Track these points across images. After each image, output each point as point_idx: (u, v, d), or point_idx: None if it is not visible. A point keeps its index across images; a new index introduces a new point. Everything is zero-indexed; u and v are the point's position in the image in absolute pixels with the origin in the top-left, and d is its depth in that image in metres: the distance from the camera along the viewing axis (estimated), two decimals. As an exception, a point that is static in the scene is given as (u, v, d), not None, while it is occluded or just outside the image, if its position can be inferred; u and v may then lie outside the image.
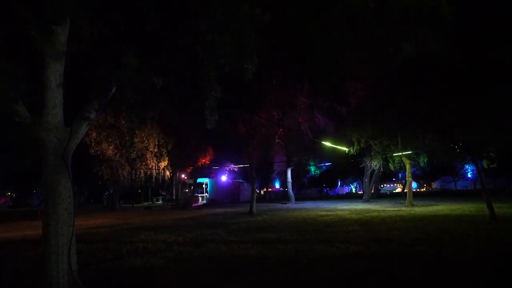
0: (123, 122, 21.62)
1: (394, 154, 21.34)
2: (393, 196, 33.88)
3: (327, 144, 22.18)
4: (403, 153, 20.37)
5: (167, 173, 27.91)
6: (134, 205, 34.01)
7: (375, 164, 22.96)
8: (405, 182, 26.60)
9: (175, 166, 27.93)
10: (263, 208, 21.40)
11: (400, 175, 47.65)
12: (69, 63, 4.67)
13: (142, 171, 25.75)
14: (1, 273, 6.04)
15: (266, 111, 20.42)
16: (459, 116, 11.13)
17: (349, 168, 43.67)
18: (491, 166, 14.15)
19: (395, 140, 20.04)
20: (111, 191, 29.77)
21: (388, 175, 42.65)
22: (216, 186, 34.64)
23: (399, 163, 22.07)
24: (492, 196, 11.73)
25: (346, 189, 58.48)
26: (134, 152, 23.85)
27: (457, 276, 4.78)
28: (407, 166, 21.16)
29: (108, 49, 4.90)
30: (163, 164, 25.91)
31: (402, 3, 6.01)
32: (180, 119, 21.66)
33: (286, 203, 27.18)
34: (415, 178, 46.80)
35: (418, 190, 50.66)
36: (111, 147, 22.82)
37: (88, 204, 42.13)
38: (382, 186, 50.71)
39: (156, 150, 24.66)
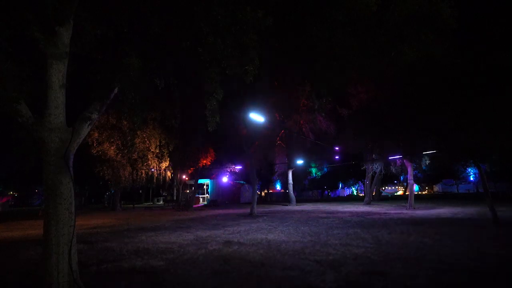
0: (125, 122, 21.66)
1: (395, 157, 21.27)
2: (394, 199, 33.72)
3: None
4: (404, 156, 20.29)
5: (168, 173, 27.93)
6: (135, 205, 34.03)
7: (376, 166, 22.89)
8: (407, 185, 26.52)
9: (176, 167, 27.97)
10: (264, 210, 21.37)
11: (401, 177, 47.48)
12: (72, 64, 4.70)
13: (143, 172, 25.79)
14: (2, 273, 6.05)
15: (268, 113, 20.41)
16: (461, 119, 11.12)
17: (350, 171, 43.72)
18: (493, 169, 14.13)
19: (397, 143, 19.96)
20: (112, 192, 29.81)
21: (389, 178, 42.52)
22: (217, 187, 34.62)
23: (400, 166, 21.99)
24: (494, 200, 11.70)
25: (347, 191, 58.34)
26: (136, 153, 23.88)
27: (460, 280, 4.76)
28: (409, 169, 21.08)
29: (110, 50, 4.93)
30: (164, 165, 25.94)
31: (403, 7, 6.02)
32: (181, 120, 21.75)
33: (287, 205, 27.14)
34: (416, 181, 46.59)
35: (420, 193, 50.42)
36: (112, 148, 22.87)
37: (89, 204, 42.20)
38: (383, 188, 50.53)
39: (157, 151, 24.69)
